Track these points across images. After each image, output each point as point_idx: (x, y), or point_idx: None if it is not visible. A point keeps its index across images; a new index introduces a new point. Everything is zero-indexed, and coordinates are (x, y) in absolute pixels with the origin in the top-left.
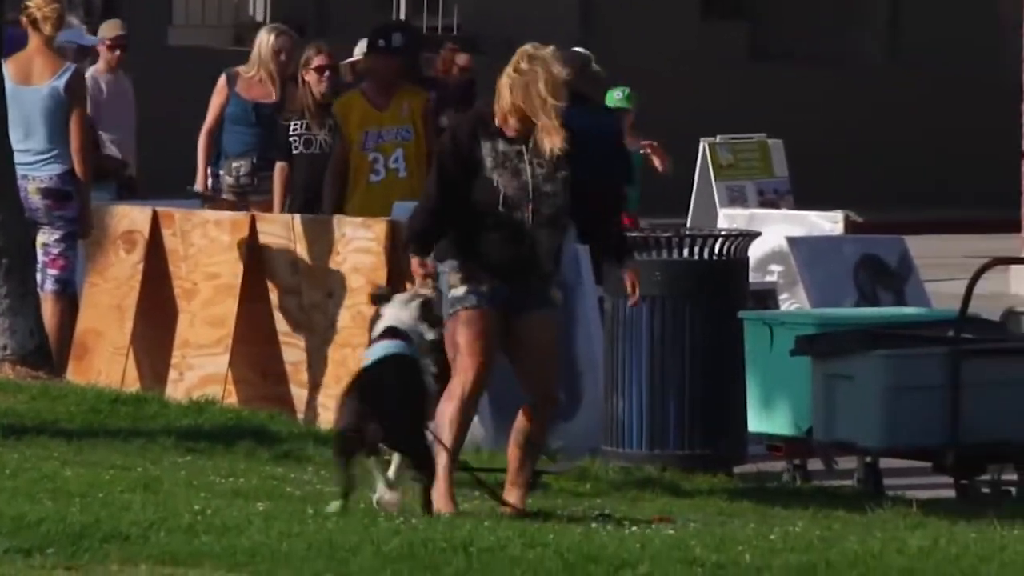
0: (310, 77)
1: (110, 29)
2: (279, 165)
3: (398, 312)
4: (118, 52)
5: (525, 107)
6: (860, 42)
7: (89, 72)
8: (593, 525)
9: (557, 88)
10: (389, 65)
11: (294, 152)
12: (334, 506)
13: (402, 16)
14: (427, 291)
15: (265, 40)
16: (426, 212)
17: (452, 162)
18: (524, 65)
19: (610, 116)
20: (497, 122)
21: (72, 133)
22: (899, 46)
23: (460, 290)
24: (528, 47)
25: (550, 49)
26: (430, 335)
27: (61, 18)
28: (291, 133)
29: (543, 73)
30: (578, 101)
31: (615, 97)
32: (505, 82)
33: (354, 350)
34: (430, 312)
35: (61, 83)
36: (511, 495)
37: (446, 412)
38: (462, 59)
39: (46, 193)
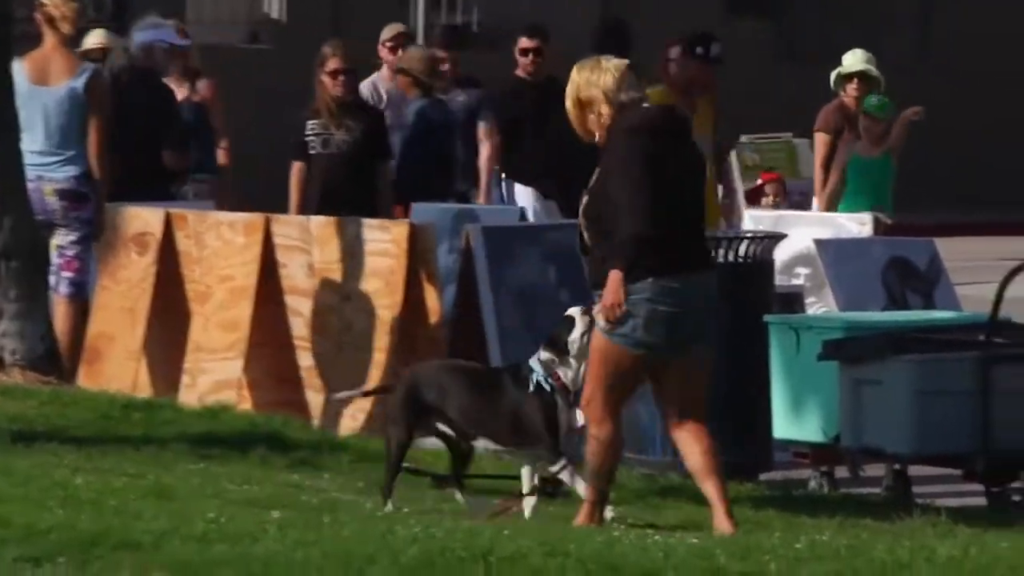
0: (325, 79)
1: (390, 31)
2: (296, 165)
3: None
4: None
5: None
6: (889, 41)
7: (369, 79)
8: (615, 533)
9: None
10: (707, 74)
11: (311, 152)
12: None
13: (420, 14)
14: None
15: None
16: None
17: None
18: None
19: None
20: None
21: (90, 134)
22: (929, 45)
23: None
24: None
25: None
26: None
27: (79, 17)
28: (308, 133)
29: None
30: None
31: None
32: None
33: (371, 355)
34: None
35: (79, 83)
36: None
37: None
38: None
39: (63, 194)
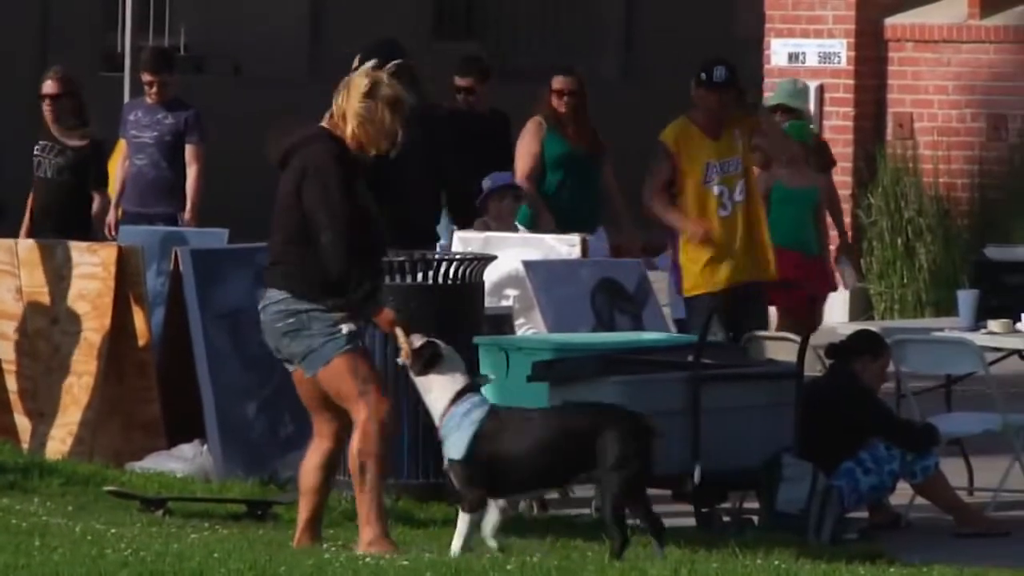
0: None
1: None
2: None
3: None
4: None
5: None
6: (595, 60)
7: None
8: (326, 556)
9: None
10: (710, 99)
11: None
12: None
13: (127, 35)
14: None
15: None
16: None
17: None
18: None
19: None
20: None
21: None
22: (635, 63)
23: None
24: None
25: None
26: None
27: None
28: (34, 155)
29: None
30: None
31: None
32: None
33: (79, 378)
34: None
35: None
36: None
37: None
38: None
39: None
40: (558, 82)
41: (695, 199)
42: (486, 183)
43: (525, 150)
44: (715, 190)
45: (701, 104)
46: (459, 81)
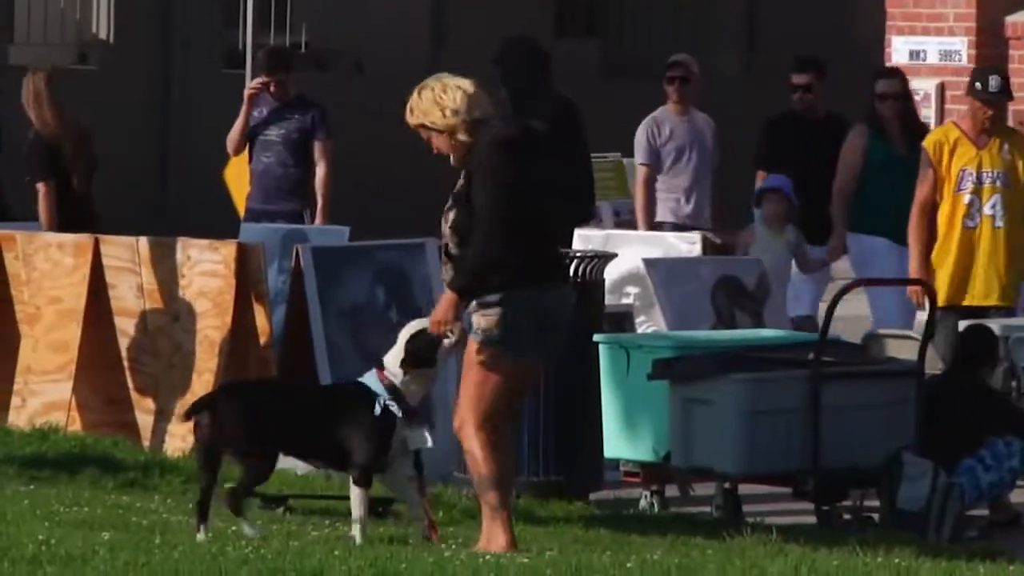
0: None
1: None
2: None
3: None
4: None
5: None
6: (716, 56)
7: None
8: (447, 554)
9: None
10: (983, 108)
11: None
12: None
13: (249, 33)
14: None
15: None
16: None
17: None
18: None
19: None
20: None
21: None
22: (755, 60)
23: None
24: None
25: None
26: None
27: None
28: None
29: None
30: None
31: None
32: None
33: (200, 375)
34: None
35: None
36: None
37: None
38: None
39: None
40: (881, 86)
41: (948, 205)
42: (762, 184)
43: (845, 161)
44: (965, 199)
45: (972, 112)
46: (796, 79)
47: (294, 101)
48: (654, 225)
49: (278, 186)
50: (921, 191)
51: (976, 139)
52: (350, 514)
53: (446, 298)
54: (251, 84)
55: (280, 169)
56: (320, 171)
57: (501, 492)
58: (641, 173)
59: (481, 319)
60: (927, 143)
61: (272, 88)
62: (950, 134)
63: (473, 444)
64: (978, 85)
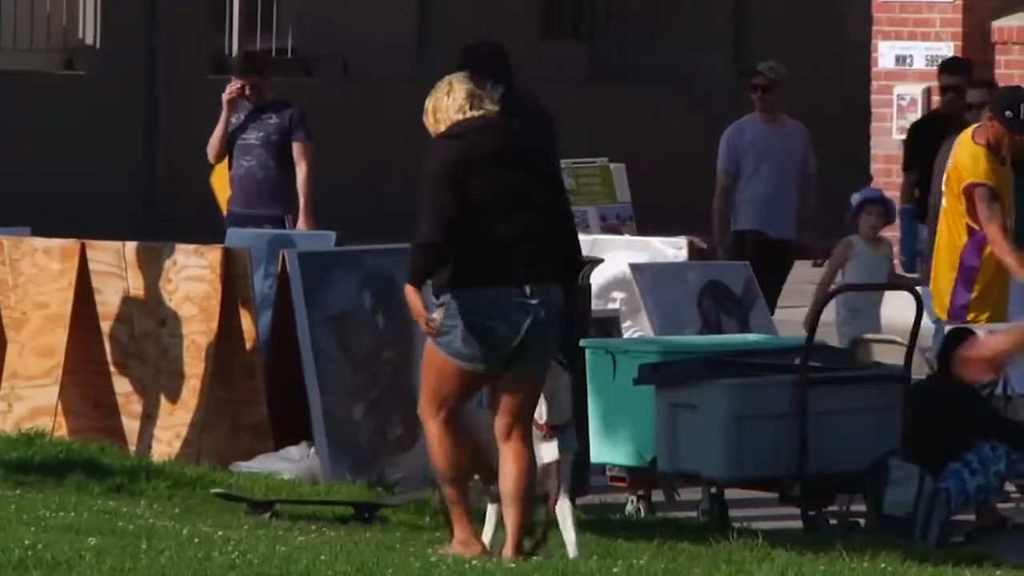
0: None
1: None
2: None
3: None
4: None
5: None
6: (705, 61)
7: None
8: (433, 559)
9: None
10: (1011, 137)
11: None
12: None
13: (235, 38)
14: None
15: None
16: None
17: None
18: None
19: None
20: None
21: None
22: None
23: None
24: None
25: None
26: None
27: None
28: None
29: None
30: None
31: None
32: None
33: (186, 380)
34: None
35: None
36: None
37: None
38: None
39: None
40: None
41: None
42: (855, 197)
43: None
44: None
45: (996, 137)
46: (946, 80)
47: (271, 104)
48: (730, 233)
49: (260, 189)
50: (996, 226)
51: (1001, 157)
52: (336, 519)
53: (406, 291)
54: (228, 89)
55: (261, 172)
56: (300, 172)
57: (454, 487)
58: (720, 180)
59: (434, 313)
60: (983, 179)
61: (247, 92)
62: (992, 160)
63: (429, 436)
64: (1008, 113)
